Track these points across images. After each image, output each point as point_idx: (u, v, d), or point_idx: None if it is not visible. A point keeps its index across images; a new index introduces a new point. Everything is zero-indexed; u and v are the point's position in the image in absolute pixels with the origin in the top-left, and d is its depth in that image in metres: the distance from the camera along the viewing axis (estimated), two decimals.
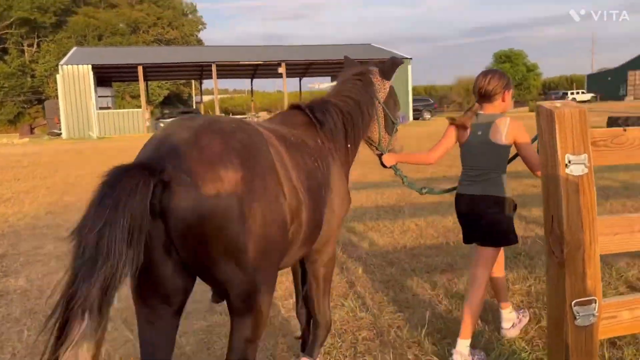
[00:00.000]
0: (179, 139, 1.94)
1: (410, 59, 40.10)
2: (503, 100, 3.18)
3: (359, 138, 3.13)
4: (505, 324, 3.45)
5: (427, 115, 42.83)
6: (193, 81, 60.36)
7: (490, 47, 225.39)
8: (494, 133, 3.08)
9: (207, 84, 54.84)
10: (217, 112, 40.66)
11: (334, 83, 3.28)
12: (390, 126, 3.29)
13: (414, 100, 41.66)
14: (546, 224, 1.94)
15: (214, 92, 42.19)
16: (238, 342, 2.08)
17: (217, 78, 40.07)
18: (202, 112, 46.56)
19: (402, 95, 38.98)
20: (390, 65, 3.26)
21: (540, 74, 77.03)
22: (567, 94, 58.88)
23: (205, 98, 59.52)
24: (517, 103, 62.45)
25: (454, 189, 3.39)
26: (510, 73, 71.84)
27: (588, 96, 60.29)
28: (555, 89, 69.97)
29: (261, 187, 2.01)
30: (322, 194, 2.56)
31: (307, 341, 3.08)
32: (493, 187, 3.11)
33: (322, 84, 46.84)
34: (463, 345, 3.05)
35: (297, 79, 51.50)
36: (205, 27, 75.09)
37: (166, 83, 62.10)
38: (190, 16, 72.73)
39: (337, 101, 2.97)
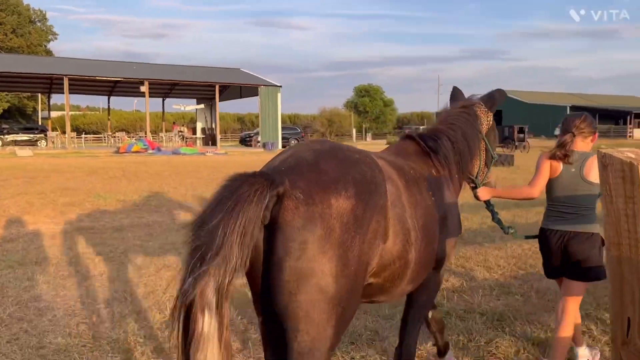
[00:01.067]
0: (302, 158, 2.02)
1: (280, 86, 40.22)
2: (592, 141, 3.26)
3: (466, 170, 3.08)
4: None
5: (293, 143, 43.09)
6: (40, 95, 54.48)
7: (349, 81, 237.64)
8: (587, 170, 3.11)
9: (56, 98, 49.66)
10: (68, 130, 36.83)
11: (440, 112, 3.22)
12: (490, 159, 3.28)
13: (282, 129, 41.59)
14: (615, 331, 1.45)
15: (65, 107, 38.09)
16: None
17: (70, 93, 36.33)
18: (50, 129, 41.97)
19: (272, 122, 38.80)
20: (498, 97, 3.25)
21: (395, 109, 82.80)
22: (419, 128, 63.65)
23: (54, 114, 53.88)
24: (376, 136, 65.99)
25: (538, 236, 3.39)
26: (370, 107, 76.93)
27: None
28: (408, 123, 75.30)
29: (367, 223, 1.96)
30: (436, 230, 2.52)
31: None
32: (584, 224, 3.13)
33: (187, 106, 44.91)
34: None
35: (161, 98, 48.95)
36: (56, 38, 68.60)
37: (6, 95, 55.27)
38: (38, 24, 66.06)
39: (446, 130, 2.95)
